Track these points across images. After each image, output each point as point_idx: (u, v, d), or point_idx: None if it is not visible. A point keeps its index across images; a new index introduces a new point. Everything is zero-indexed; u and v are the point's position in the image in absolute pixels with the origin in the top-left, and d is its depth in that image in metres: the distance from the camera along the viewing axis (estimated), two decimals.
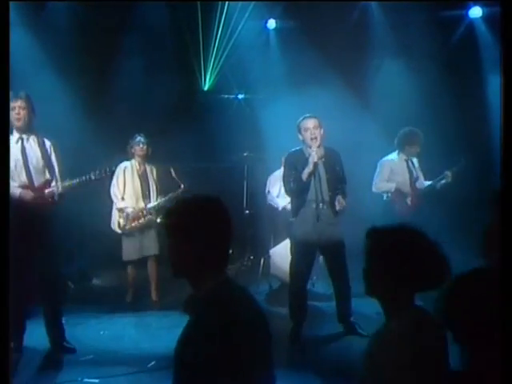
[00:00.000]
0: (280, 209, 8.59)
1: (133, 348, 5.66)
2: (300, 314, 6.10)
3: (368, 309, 6.71)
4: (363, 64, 9.50)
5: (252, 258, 8.49)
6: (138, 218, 7.18)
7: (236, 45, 10.11)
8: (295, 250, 6.07)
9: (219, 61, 10.37)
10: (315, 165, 5.83)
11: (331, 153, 6.10)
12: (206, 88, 10.52)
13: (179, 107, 9.59)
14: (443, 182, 7.15)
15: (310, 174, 5.86)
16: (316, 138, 5.90)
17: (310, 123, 5.94)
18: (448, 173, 7.08)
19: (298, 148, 6.12)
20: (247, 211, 8.47)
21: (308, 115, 6.01)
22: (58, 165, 5.69)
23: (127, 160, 7.36)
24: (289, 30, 10.18)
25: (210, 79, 10.52)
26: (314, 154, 5.81)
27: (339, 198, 5.94)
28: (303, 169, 5.86)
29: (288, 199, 8.51)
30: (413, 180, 7.27)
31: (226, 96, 10.36)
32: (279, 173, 8.69)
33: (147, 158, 7.39)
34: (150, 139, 7.35)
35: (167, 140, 8.11)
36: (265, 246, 8.51)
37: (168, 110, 9.22)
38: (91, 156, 7.67)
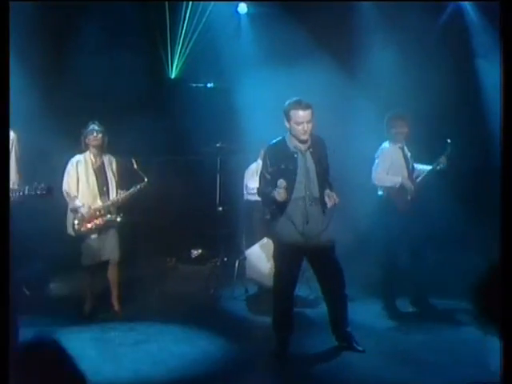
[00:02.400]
0: (245, 205, 8.01)
1: (92, 372, 4.78)
2: (285, 326, 5.32)
3: (362, 316, 6.16)
4: (344, 49, 8.86)
5: (226, 259, 7.78)
6: (95, 219, 6.35)
7: (205, 30, 9.54)
8: (279, 252, 5.27)
9: (187, 47, 9.80)
10: (282, 202, 5.06)
11: (317, 141, 5.33)
12: (173, 76, 9.92)
13: (145, 96, 8.91)
14: (438, 168, 6.55)
15: (290, 166, 5.13)
16: (306, 131, 5.11)
17: (305, 116, 5.08)
18: (442, 158, 6.46)
19: (279, 139, 5.30)
20: (220, 208, 7.71)
21: (301, 103, 5.11)
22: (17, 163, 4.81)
23: (80, 153, 6.52)
24: (261, 14, 9.59)
25: (177, 67, 9.93)
26: (282, 193, 4.98)
27: (328, 192, 5.13)
28: (283, 163, 5.12)
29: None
30: (410, 172, 6.65)
31: (195, 85, 9.66)
32: (256, 166, 8.12)
33: (104, 149, 6.53)
34: (105, 127, 6.53)
35: (132, 131, 7.47)
36: (240, 246, 7.85)
37: (133, 99, 8.55)
38: (54, 150, 7.08)
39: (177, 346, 5.42)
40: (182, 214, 8.87)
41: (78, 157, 6.47)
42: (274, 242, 5.43)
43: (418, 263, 6.54)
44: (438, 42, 8.56)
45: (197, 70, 9.60)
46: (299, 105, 5.07)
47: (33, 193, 4.76)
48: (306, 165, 5.14)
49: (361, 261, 5.85)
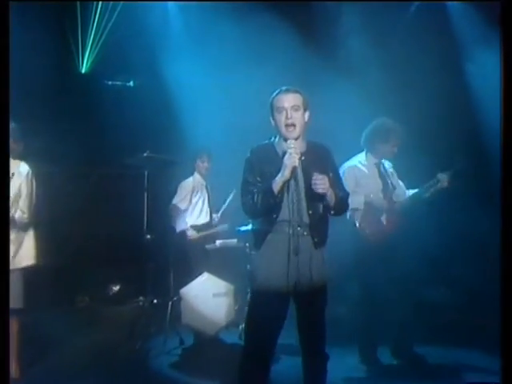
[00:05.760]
0: (178, 231, 7.01)
1: None
2: None
3: (337, 372, 4.71)
4: (281, 44, 8.01)
5: (155, 301, 6.41)
6: None
7: (123, 18, 8.34)
8: (258, 299, 3.98)
9: (100, 38, 8.61)
10: (294, 170, 3.81)
11: (318, 150, 4.11)
12: (83, 70, 8.66)
13: (50, 95, 7.79)
14: (434, 188, 5.40)
15: (285, 184, 3.85)
16: (294, 124, 3.87)
17: (288, 100, 3.91)
18: (443, 175, 5.32)
19: (266, 142, 4.12)
20: (148, 236, 6.40)
21: (285, 88, 3.99)
22: None
23: None
24: (191, 4, 8.56)
25: (88, 60, 8.70)
26: (294, 154, 3.78)
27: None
28: (273, 174, 3.89)
29: (201, 218, 7.17)
30: (388, 191, 5.51)
31: (111, 82, 8.37)
32: (192, 180, 7.16)
33: (17, 157, 5.18)
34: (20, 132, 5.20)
35: (36, 136, 6.36)
36: (173, 283, 6.62)
37: (36, 99, 7.44)
38: None
39: None
40: (98, 242, 7.80)
41: None
42: (252, 279, 4.10)
43: (401, 304, 5.38)
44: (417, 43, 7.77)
45: (114, 64, 8.34)
46: (280, 90, 3.99)
47: None
48: (297, 177, 3.92)
49: (332, 304, 4.69)
